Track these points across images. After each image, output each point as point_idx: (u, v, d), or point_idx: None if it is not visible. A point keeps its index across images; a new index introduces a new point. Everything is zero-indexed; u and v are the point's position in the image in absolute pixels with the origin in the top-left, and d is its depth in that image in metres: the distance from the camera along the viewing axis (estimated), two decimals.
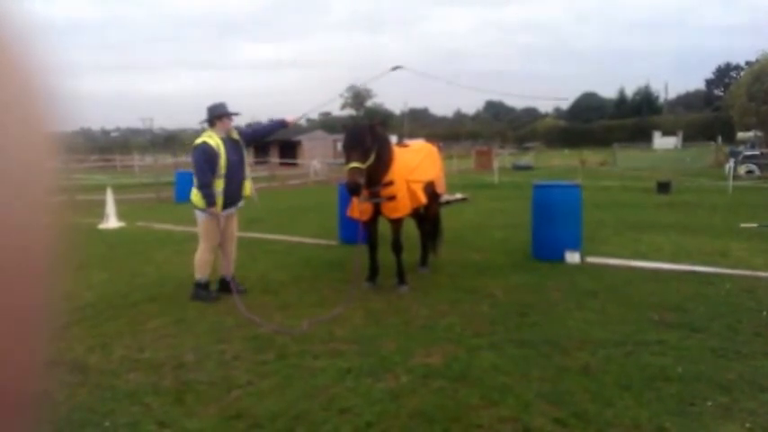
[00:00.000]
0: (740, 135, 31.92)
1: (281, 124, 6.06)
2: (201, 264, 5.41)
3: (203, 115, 5.50)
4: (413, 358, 3.80)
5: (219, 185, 5.33)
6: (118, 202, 11.77)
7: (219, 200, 5.33)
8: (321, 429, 2.91)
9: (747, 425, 2.83)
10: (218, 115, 5.40)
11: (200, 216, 5.41)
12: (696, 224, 9.48)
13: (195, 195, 5.37)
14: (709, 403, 3.06)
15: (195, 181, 5.33)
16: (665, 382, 3.32)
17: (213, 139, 5.29)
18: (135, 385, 3.49)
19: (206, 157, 5.22)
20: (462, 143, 56.78)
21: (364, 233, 5.62)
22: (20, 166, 0.36)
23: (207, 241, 5.42)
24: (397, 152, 5.67)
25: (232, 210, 5.55)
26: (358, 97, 72.34)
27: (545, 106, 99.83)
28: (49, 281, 0.39)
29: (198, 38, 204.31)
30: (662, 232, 8.59)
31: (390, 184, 5.39)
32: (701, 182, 18.38)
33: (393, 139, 7.42)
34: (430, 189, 6.09)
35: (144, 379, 3.59)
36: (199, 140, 5.34)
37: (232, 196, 5.49)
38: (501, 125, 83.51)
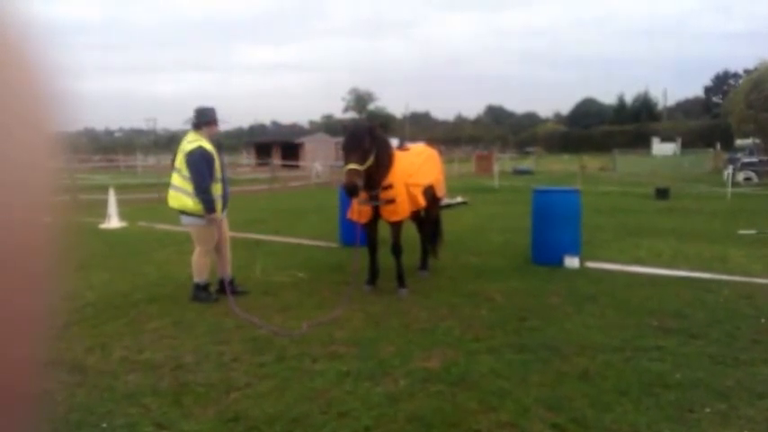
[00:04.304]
0: (738, 142, 31.98)
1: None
2: (199, 267, 5.41)
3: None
4: (412, 362, 3.79)
5: (218, 190, 5.32)
6: (120, 202, 11.78)
7: (219, 204, 5.32)
8: None
9: None
10: (206, 120, 5.38)
11: (194, 222, 5.31)
12: (695, 230, 9.48)
13: (188, 201, 5.21)
14: (708, 410, 3.05)
15: (189, 186, 5.17)
16: (664, 389, 3.32)
17: (206, 143, 5.26)
18: (133, 386, 3.49)
19: (206, 161, 5.20)
20: (463, 147, 56.82)
21: (363, 235, 5.62)
22: (22, 166, 0.36)
23: (203, 245, 5.41)
24: (398, 155, 5.67)
25: (225, 212, 5.57)
26: (360, 101, 72.45)
27: (545, 111, 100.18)
28: (50, 280, 0.39)
29: (201, 40, 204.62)
30: (661, 238, 8.59)
31: (390, 187, 5.39)
32: (699, 188, 18.39)
33: (394, 142, 7.41)
34: (430, 193, 6.10)
35: (142, 380, 3.58)
36: (193, 145, 5.20)
37: (227, 198, 5.55)
38: (501, 129, 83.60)
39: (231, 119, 5.80)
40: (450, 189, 9.06)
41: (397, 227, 5.62)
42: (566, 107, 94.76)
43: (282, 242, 8.85)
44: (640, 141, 48.39)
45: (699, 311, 4.79)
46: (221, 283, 5.55)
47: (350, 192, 5.04)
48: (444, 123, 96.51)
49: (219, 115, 5.50)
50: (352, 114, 70.80)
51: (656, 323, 4.51)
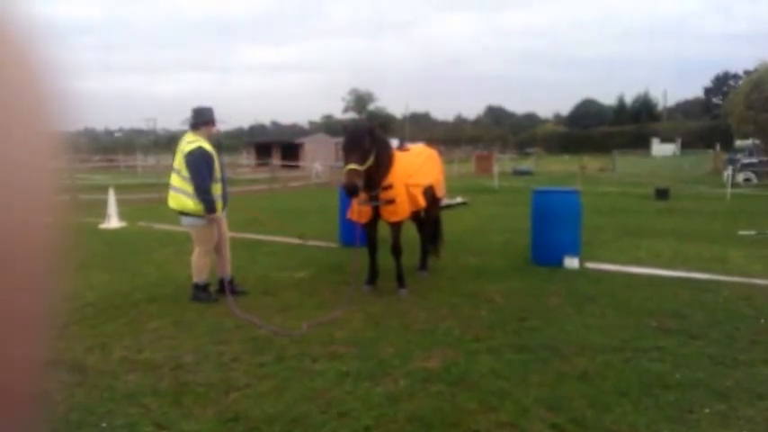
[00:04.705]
0: (738, 143, 32.00)
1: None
2: (199, 267, 5.40)
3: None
4: (411, 362, 3.80)
5: (218, 190, 5.32)
6: (120, 202, 11.78)
7: (219, 204, 5.32)
8: None
9: None
10: (205, 120, 5.38)
11: (195, 222, 5.30)
12: (695, 231, 9.49)
13: (188, 202, 5.19)
14: (707, 410, 3.06)
15: (189, 187, 5.15)
16: (664, 389, 3.32)
17: (205, 143, 5.25)
18: (133, 386, 3.49)
19: (206, 161, 5.19)
20: (463, 147, 56.79)
21: (363, 235, 5.62)
22: (23, 166, 0.36)
23: (204, 245, 5.40)
24: (397, 156, 5.68)
25: (224, 212, 5.58)
26: (360, 101, 72.43)
27: (545, 112, 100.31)
28: (50, 281, 0.39)
29: (201, 40, 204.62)
30: (661, 238, 8.60)
31: (390, 187, 5.40)
32: (699, 189, 18.40)
33: (394, 142, 7.42)
34: (430, 193, 6.10)
35: (142, 380, 3.58)
36: (193, 146, 5.18)
37: (227, 198, 5.58)
38: (501, 130, 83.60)
39: (230, 119, 5.77)
40: (449, 189, 9.06)
41: (396, 227, 5.62)
42: (566, 108, 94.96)
43: (282, 242, 8.86)
44: (640, 142, 48.39)
45: (698, 312, 4.80)
46: (221, 283, 5.55)
47: (350, 192, 5.04)
48: (444, 124, 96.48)
49: (217, 115, 5.51)
50: (351, 115, 70.75)
51: (656, 324, 4.52)
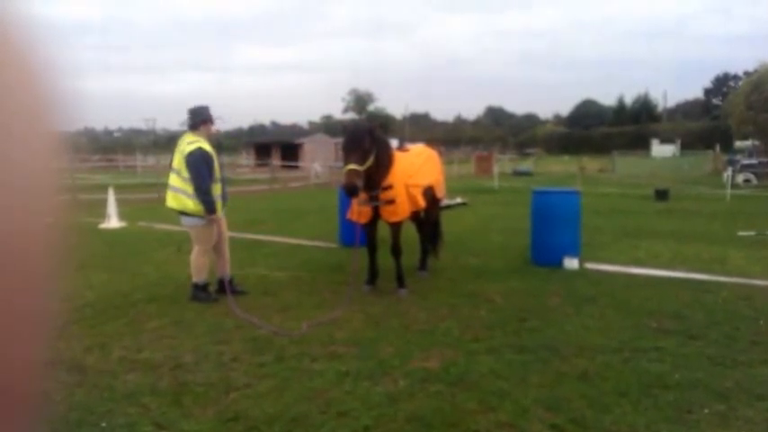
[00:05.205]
0: (738, 144, 32.02)
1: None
2: (198, 267, 5.40)
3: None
4: (411, 362, 3.80)
5: (218, 190, 5.33)
6: (119, 202, 11.78)
7: (219, 204, 5.32)
8: None
9: None
10: (203, 119, 5.38)
11: (195, 222, 5.30)
12: (694, 231, 9.49)
13: (188, 202, 5.20)
14: (706, 411, 3.06)
15: (189, 188, 5.15)
16: (663, 390, 3.32)
17: (205, 143, 5.25)
18: (133, 386, 3.49)
19: (206, 162, 5.19)
20: (463, 148, 56.79)
21: (362, 236, 5.62)
22: (23, 166, 0.36)
23: (203, 245, 5.40)
24: (397, 156, 5.68)
25: (224, 212, 5.59)
26: (360, 101, 72.40)
27: (545, 112, 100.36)
28: (50, 281, 0.39)
29: (201, 40, 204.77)
30: (660, 239, 8.60)
31: (389, 187, 5.40)
32: (699, 190, 18.40)
33: (394, 142, 7.42)
34: (429, 193, 6.10)
35: (142, 380, 3.58)
36: (193, 146, 5.17)
37: (226, 198, 5.60)
38: (501, 130, 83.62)
39: (228, 117, 5.76)
40: (449, 190, 9.06)
41: (396, 227, 5.62)
42: (565, 108, 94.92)
43: (282, 242, 8.86)
44: (640, 143, 48.35)
45: (698, 313, 4.80)
46: (221, 282, 5.55)
47: (350, 192, 5.04)
48: (444, 124, 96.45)
49: (214, 113, 5.51)
50: (351, 115, 70.68)
51: (655, 324, 4.52)
